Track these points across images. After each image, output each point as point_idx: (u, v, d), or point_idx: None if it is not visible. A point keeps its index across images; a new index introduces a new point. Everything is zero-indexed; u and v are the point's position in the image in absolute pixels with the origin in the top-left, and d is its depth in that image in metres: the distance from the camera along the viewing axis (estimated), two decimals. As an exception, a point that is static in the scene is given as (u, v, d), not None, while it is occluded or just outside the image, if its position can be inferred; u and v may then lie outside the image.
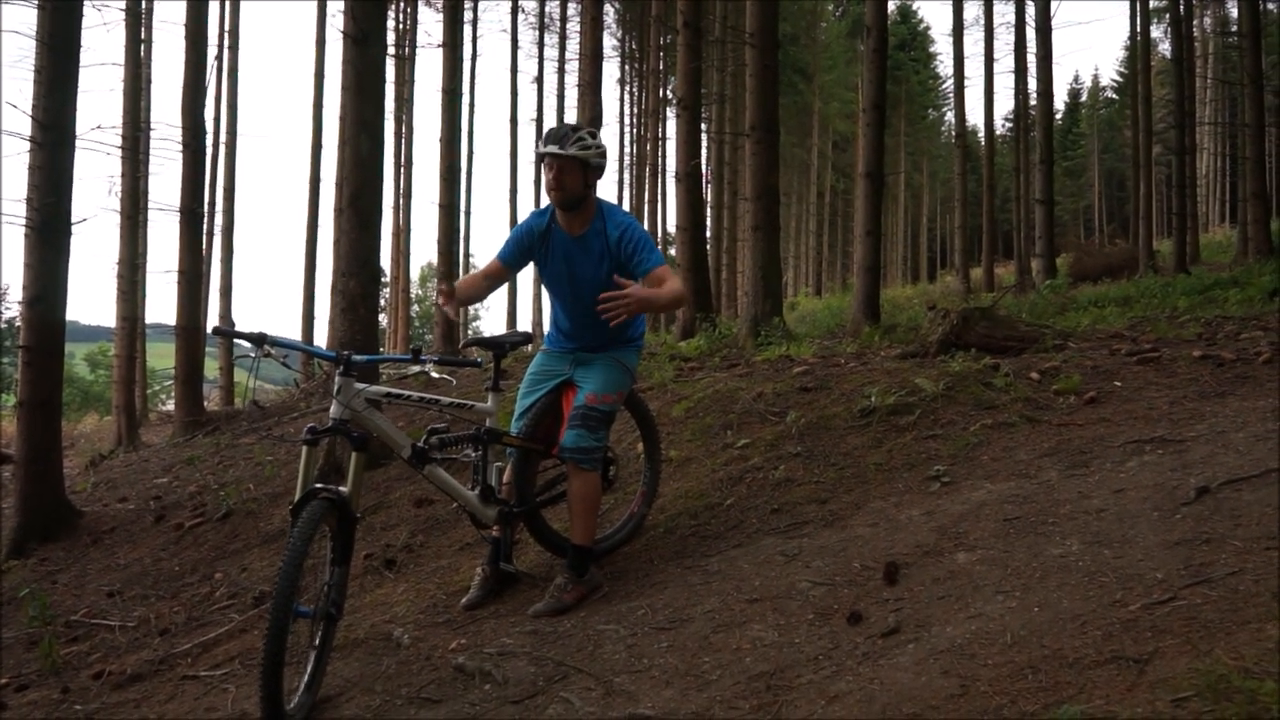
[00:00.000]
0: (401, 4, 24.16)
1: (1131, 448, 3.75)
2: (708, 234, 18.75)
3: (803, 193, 41.97)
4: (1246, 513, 2.78)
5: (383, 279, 20.25)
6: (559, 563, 3.59)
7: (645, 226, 8.81)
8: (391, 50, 22.42)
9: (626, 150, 31.48)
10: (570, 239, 3.47)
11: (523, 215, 9.98)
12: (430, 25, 50.69)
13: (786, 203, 36.97)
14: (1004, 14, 31.16)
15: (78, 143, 6.68)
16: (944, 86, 48.80)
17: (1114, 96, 58.36)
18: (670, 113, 23.88)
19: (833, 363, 6.45)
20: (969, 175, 25.23)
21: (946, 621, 2.56)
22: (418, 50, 24.47)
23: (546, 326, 3.87)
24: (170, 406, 18.52)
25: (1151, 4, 24.85)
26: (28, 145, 6.53)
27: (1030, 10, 20.54)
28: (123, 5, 14.29)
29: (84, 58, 6.66)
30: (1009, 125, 37.27)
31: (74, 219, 6.55)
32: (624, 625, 3.02)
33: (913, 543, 3.17)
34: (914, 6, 51.49)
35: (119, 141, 14.10)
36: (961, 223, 24.10)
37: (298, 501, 2.84)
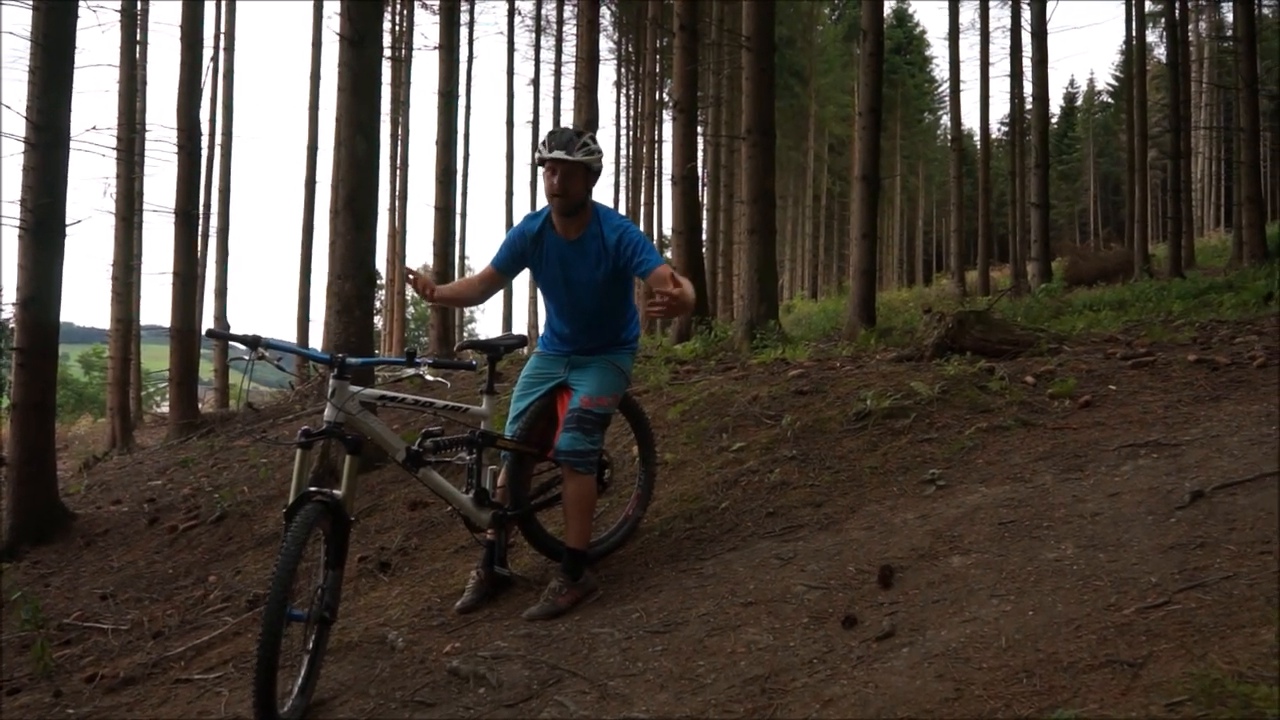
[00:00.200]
0: (398, 6, 24.15)
1: (1126, 452, 3.76)
2: (703, 237, 18.81)
3: (798, 196, 42.04)
4: (1241, 517, 2.79)
5: (378, 281, 20.21)
6: (554, 566, 3.58)
7: (641, 229, 8.80)
8: (387, 52, 22.45)
9: (622, 153, 31.45)
10: (565, 243, 3.46)
11: (518, 218, 9.97)
12: (426, 27, 50.55)
13: (782, 206, 37.04)
14: (1000, 18, 31.22)
15: (72, 144, 6.69)
16: (940, 90, 49.05)
17: (1109, 100, 58.65)
18: (666, 115, 23.92)
19: (828, 366, 6.45)
20: (965, 179, 25.28)
21: (941, 625, 2.56)
22: (414, 52, 24.50)
23: (541, 329, 3.86)
24: (165, 409, 18.49)
25: (1147, 8, 24.96)
26: (22, 146, 6.53)
27: (1026, 14, 20.61)
28: (118, 6, 14.30)
29: (79, 59, 6.65)
30: (1004, 129, 37.45)
31: (68, 220, 6.54)
32: (619, 629, 3.01)
33: (907, 546, 3.17)
34: (910, 10, 51.83)
35: (114, 143, 14.09)
36: (957, 226, 24.20)
37: (292, 504, 2.83)
